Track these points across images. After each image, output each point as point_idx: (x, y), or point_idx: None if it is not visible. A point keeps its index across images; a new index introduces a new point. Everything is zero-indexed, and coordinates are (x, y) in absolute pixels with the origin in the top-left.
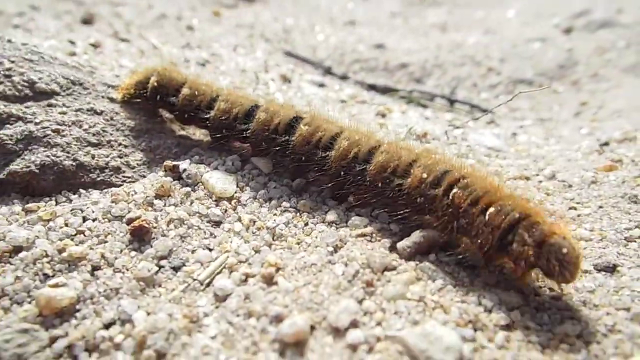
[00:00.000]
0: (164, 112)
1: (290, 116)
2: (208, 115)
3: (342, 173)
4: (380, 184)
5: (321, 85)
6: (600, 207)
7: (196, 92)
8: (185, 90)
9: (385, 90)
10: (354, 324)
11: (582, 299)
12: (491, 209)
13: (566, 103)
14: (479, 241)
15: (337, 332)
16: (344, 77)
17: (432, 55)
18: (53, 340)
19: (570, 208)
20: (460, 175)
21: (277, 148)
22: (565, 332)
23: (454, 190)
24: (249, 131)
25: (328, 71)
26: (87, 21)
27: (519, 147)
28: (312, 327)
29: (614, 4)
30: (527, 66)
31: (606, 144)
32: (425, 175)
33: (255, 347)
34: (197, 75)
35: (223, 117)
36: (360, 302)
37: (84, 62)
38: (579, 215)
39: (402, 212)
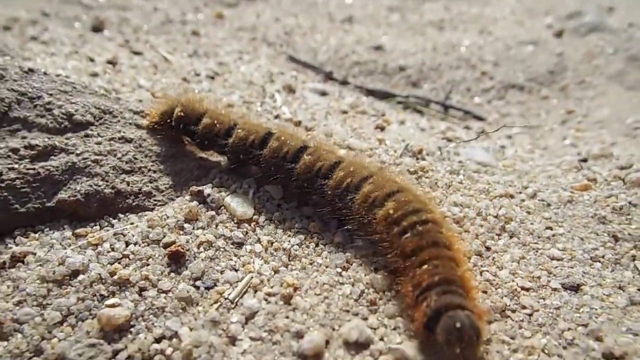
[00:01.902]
0: (185, 137)
1: (298, 146)
2: (227, 142)
3: (337, 200)
4: (364, 213)
5: (323, 93)
6: (573, 227)
7: (215, 122)
8: (205, 120)
9: (384, 96)
10: (363, 340)
11: (549, 315)
12: (425, 266)
13: (554, 110)
14: (403, 285)
15: (348, 346)
16: (344, 82)
17: (429, 57)
18: (116, 352)
19: (546, 228)
20: (421, 220)
21: (283, 175)
22: (532, 344)
23: (407, 235)
24: (261, 157)
25: (329, 76)
26: (97, 28)
27: (506, 161)
28: (327, 342)
29: (606, 2)
30: (518, 71)
31: (585, 160)
32: (392, 212)
33: (282, 358)
34: (209, 89)
35: (240, 144)
36: (365, 319)
37: (107, 85)
38: (553, 235)
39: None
